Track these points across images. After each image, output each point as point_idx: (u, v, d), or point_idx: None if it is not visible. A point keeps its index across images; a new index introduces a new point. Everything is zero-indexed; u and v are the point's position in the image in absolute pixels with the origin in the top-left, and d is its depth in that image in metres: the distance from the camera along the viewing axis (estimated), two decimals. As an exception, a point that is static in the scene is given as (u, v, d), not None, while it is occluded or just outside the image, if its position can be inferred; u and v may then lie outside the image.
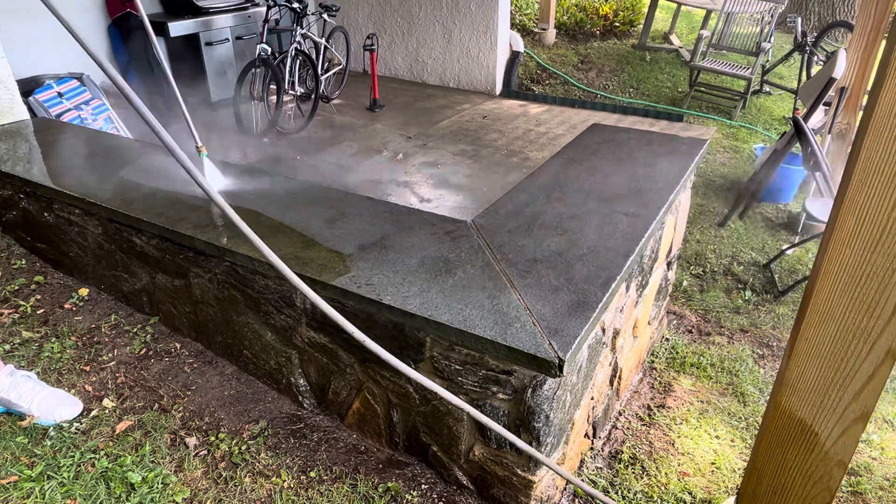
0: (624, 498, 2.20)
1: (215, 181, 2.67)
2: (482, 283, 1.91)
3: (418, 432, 2.12)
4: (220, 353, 2.63)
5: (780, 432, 1.57)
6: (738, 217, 4.59)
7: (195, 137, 2.67)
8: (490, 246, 2.12)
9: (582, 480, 2.25)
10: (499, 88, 6.91)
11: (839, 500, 2.32)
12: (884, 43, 2.89)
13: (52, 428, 2.22)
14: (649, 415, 2.67)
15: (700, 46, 6.67)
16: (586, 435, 2.33)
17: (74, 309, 2.87)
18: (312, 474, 2.15)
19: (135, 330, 2.76)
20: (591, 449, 2.42)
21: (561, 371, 1.61)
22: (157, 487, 2.03)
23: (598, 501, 2.18)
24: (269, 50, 5.16)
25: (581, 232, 2.19)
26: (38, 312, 2.82)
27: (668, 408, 2.71)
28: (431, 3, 6.81)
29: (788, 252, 4.09)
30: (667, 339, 3.23)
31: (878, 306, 1.27)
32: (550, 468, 1.89)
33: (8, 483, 1.99)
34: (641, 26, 8.38)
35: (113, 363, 2.58)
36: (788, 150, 4.29)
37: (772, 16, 6.67)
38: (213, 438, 2.25)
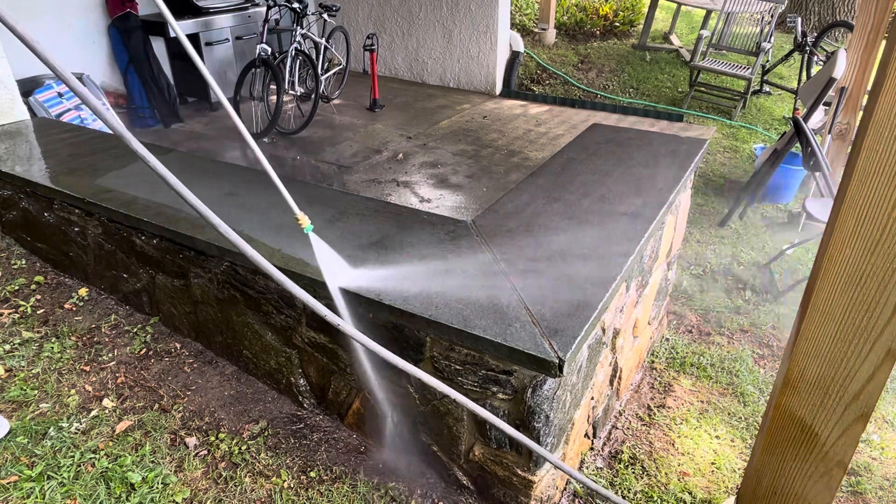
0: (624, 498, 2.20)
1: (330, 265, 1.93)
2: (482, 283, 1.91)
3: (418, 432, 2.12)
4: (220, 353, 2.63)
5: (780, 432, 1.57)
6: (738, 217, 4.59)
7: (293, 207, 1.75)
8: (490, 246, 2.12)
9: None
10: (499, 88, 6.91)
11: (839, 500, 2.32)
12: (884, 43, 2.89)
13: (52, 428, 2.22)
14: (649, 415, 2.67)
15: (700, 46, 6.67)
16: (586, 435, 2.33)
17: (74, 309, 2.87)
18: (312, 474, 2.15)
19: (135, 330, 2.76)
20: (591, 449, 2.42)
21: (561, 371, 1.61)
22: (157, 487, 2.03)
23: (597, 502, 2.18)
24: (269, 50, 5.16)
25: (581, 232, 2.19)
26: (38, 312, 2.82)
27: (668, 408, 2.71)
28: (431, 3, 6.80)
29: (788, 252, 4.09)
30: (667, 339, 3.23)
31: (878, 306, 1.27)
32: (556, 465, 1.89)
33: (8, 483, 1.99)
34: (641, 26, 8.38)
35: (113, 363, 2.58)
36: (788, 150, 4.29)
37: (772, 16, 6.66)
38: (213, 438, 2.25)
